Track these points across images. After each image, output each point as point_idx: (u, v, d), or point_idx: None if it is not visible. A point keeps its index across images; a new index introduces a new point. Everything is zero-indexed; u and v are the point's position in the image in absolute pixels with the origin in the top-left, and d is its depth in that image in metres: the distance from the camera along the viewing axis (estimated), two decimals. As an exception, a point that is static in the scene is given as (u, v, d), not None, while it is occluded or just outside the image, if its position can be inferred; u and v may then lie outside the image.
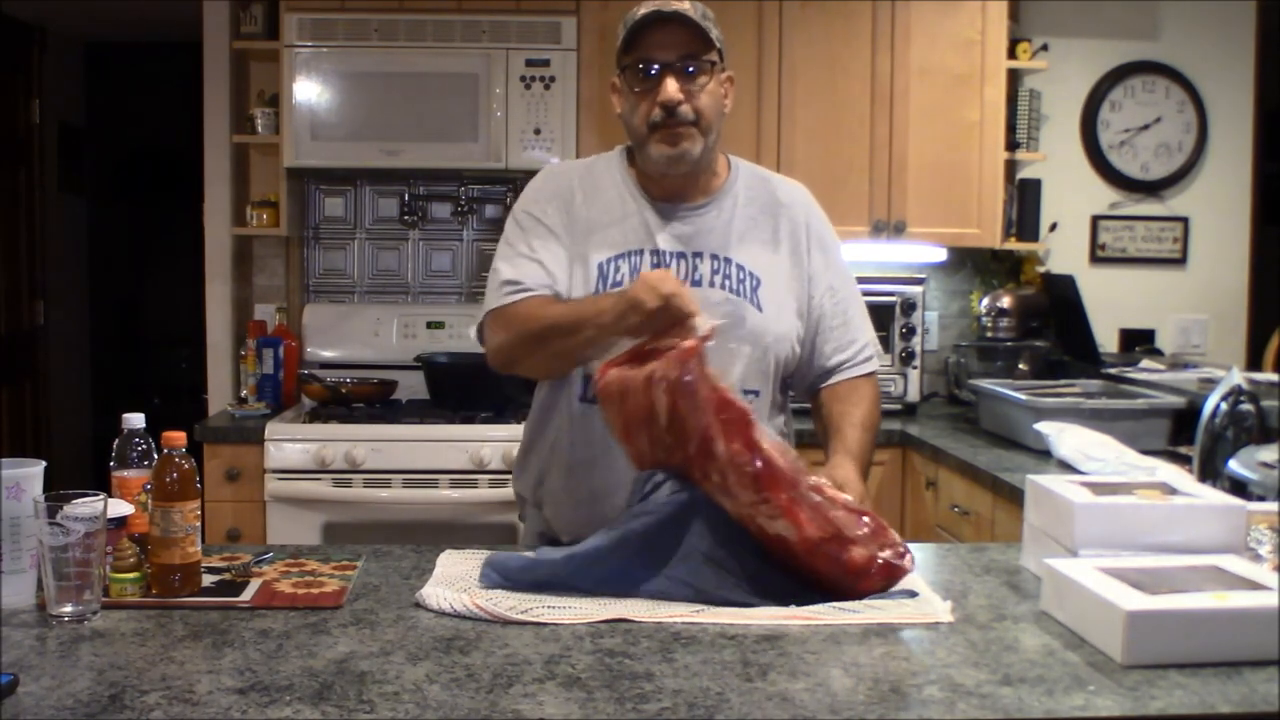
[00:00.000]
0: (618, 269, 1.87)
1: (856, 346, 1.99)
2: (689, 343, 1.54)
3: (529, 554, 1.61)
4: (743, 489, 1.51)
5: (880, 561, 1.52)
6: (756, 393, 1.92)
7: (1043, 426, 2.87)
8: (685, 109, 1.83)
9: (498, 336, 1.89)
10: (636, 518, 1.56)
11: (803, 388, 2.03)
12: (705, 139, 1.87)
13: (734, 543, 1.54)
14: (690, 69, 1.83)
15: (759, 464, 1.49)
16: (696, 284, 1.88)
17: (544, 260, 1.89)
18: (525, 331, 1.84)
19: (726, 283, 1.89)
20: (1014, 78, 3.88)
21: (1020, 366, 3.78)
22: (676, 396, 1.52)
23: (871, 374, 2.00)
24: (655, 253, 1.88)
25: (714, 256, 1.90)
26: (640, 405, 1.56)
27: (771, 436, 1.55)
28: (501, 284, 1.89)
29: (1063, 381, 3.44)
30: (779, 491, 1.49)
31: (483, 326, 1.93)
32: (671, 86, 1.82)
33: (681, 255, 1.89)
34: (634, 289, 1.66)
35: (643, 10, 1.85)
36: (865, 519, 1.53)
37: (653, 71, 1.83)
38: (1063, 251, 4.09)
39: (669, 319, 1.60)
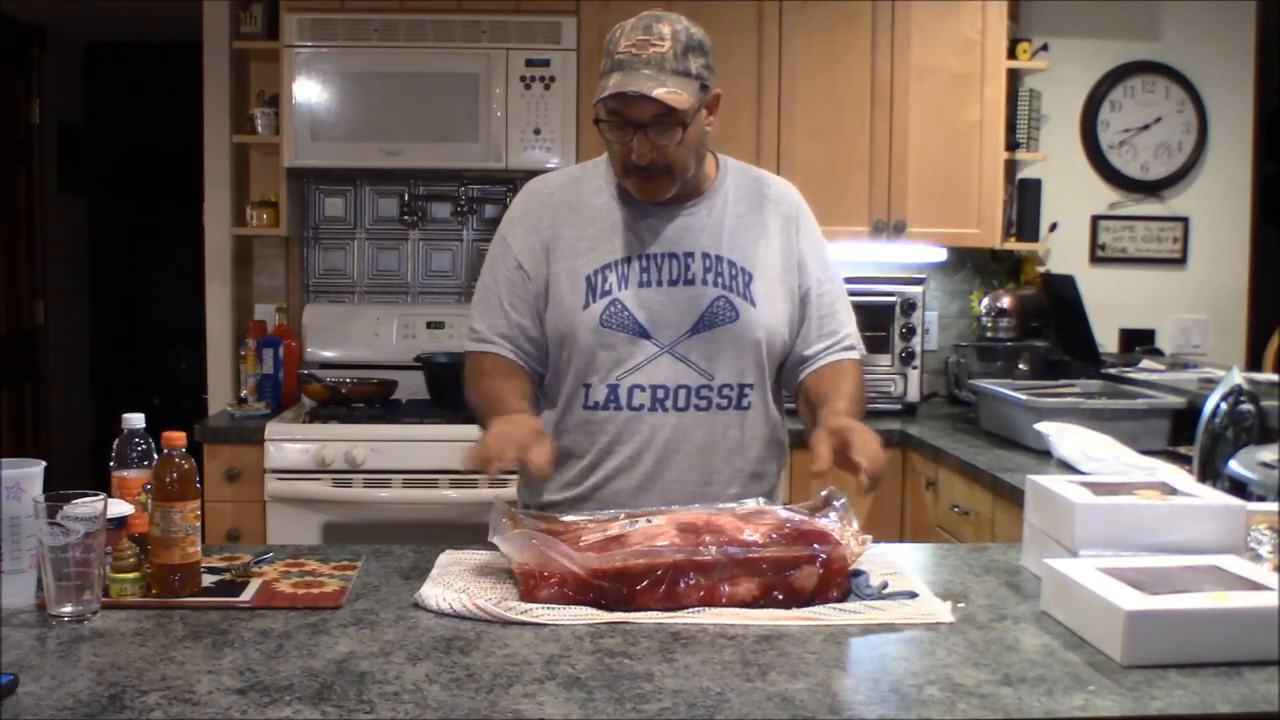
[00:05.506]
0: (605, 279, 1.90)
1: (839, 335, 2.00)
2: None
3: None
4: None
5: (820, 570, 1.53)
6: (752, 385, 1.94)
7: (1043, 426, 2.87)
8: (657, 162, 1.83)
9: (467, 369, 2.00)
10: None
11: (787, 380, 2.03)
12: (677, 180, 1.89)
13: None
14: (664, 127, 1.81)
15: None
16: (689, 283, 1.90)
17: (510, 312, 1.94)
18: (469, 388, 1.99)
19: (719, 279, 1.91)
20: (1014, 78, 3.88)
21: (1020, 366, 3.78)
22: None
23: (855, 361, 2.01)
24: (644, 257, 1.91)
25: (705, 255, 1.92)
26: None
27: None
28: (472, 329, 1.99)
29: (1063, 381, 3.44)
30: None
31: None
32: (642, 148, 1.82)
33: (673, 256, 1.92)
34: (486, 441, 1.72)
35: (613, 81, 1.80)
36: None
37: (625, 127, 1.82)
38: (1063, 251, 4.09)
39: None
